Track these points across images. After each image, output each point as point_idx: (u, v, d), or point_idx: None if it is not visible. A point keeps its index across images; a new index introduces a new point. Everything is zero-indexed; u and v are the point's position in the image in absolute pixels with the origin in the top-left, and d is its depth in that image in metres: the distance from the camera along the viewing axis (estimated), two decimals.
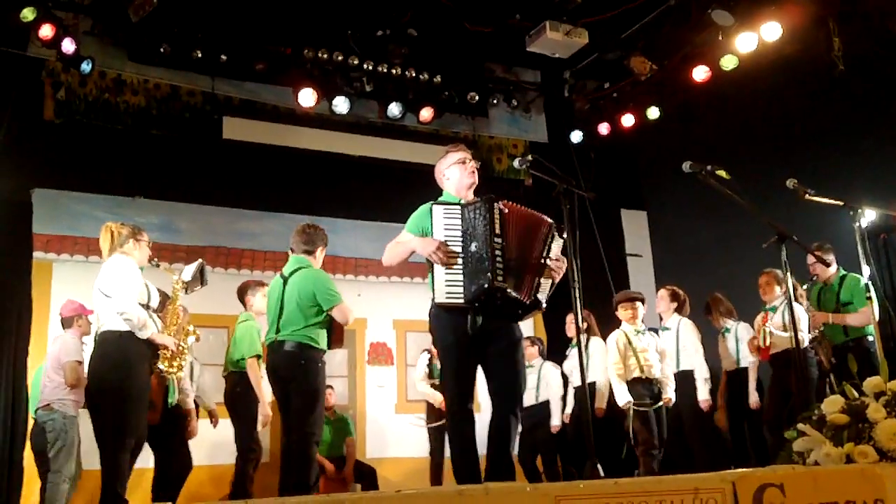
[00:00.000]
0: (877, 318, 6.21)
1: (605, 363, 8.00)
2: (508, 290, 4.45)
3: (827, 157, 8.10)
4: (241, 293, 7.07)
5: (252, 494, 6.65)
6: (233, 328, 7.00)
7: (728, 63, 8.55)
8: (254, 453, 6.79)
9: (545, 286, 4.67)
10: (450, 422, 4.61)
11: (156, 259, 5.97)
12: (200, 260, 6.39)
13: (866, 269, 5.90)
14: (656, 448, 7.03)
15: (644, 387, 7.15)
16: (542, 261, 4.64)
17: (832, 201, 5.81)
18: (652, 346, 7.36)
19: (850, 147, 8.08)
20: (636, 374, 7.17)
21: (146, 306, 5.53)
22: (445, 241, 4.51)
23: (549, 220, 4.70)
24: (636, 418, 7.06)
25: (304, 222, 6.15)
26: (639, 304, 7.39)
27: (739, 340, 7.64)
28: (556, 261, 4.68)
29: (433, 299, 4.57)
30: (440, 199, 4.81)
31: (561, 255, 4.71)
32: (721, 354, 7.90)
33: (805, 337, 6.78)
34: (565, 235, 4.65)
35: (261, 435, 6.98)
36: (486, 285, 4.38)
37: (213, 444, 7.49)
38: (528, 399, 8.32)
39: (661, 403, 7.19)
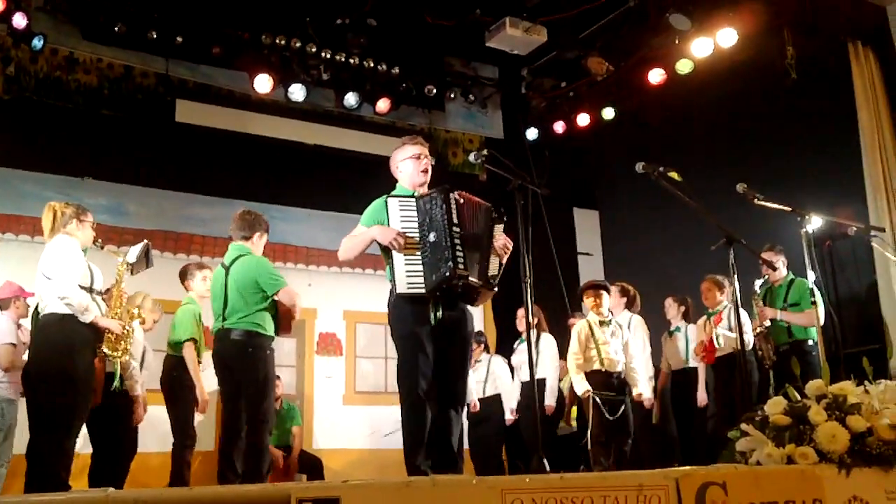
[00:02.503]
0: (821, 321, 6.34)
1: (555, 361, 8.05)
2: (470, 278, 4.51)
3: (777, 164, 8.24)
4: (182, 276, 6.96)
5: (189, 482, 6.56)
6: None
7: (683, 67, 8.67)
8: (192, 440, 6.71)
9: (494, 266, 4.76)
10: (409, 413, 4.53)
11: (100, 241, 5.81)
12: (146, 241, 6.28)
13: (811, 275, 6.02)
14: (605, 443, 6.83)
15: (603, 380, 6.93)
16: (491, 242, 4.75)
17: (780, 207, 5.91)
18: (618, 337, 7.13)
19: (800, 154, 8.23)
20: (596, 366, 6.94)
21: (89, 289, 5.40)
22: (404, 232, 4.54)
23: (489, 204, 4.82)
24: (592, 410, 6.86)
25: (243, 209, 6.05)
26: (603, 292, 7.20)
27: (689, 341, 7.73)
28: (501, 240, 4.79)
29: (392, 291, 4.59)
30: (394, 192, 4.84)
31: (504, 236, 4.82)
32: (666, 353, 7.99)
33: (749, 339, 6.88)
34: (505, 219, 4.80)
35: (206, 422, 6.88)
36: (447, 273, 4.42)
37: (142, 431, 7.32)
38: (476, 393, 8.36)
39: (623, 397, 6.96)
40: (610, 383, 6.94)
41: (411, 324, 4.54)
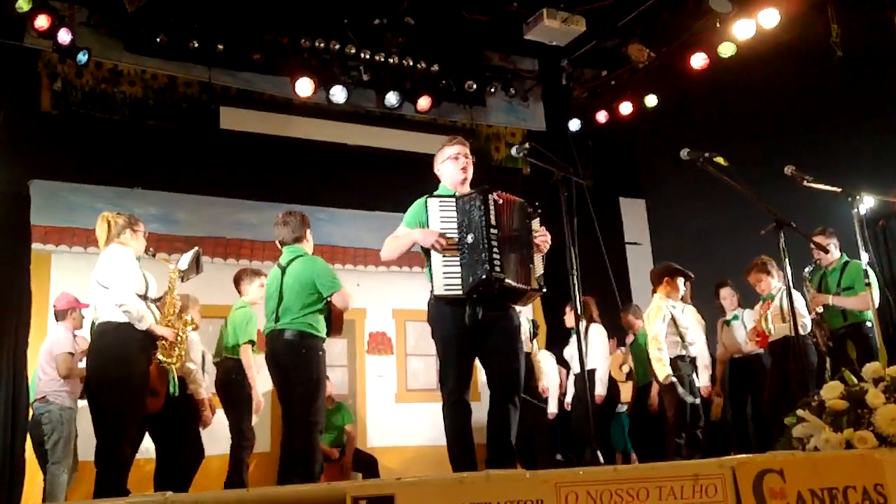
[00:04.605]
0: (876, 303, 6.21)
1: (605, 350, 8.02)
2: (506, 280, 4.49)
3: (825, 144, 8.09)
4: (237, 281, 7.06)
5: (247, 483, 6.64)
6: None
7: (726, 50, 8.54)
8: (249, 441, 6.78)
9: (539, 266, 4.74)
10: (448, 412, 4.59)
11: (152, 249, 5.95)
12: (196, 248, 6.37)
13: (865, 256, 5.90)
14: (684, 434, 6.89)
15: (685, 365, 7.01)
16: (531, 241, 4.73)
17: (830, 188, 5.81)
18: (692, 323, 7.24)
19: (849, 133, 8.06)
20: (680, 351, 7.01)
21: (144, 296, 5.51)
22: (443, 232, 4.56)
23: (523, 200, 4.79)
24: (669, 397, 6.96)
25: (282, 212, 6.05)
26: (681, 277, 7.24)
27: (747, 328, 7.63)
28: (541, 235, 4.77)
29: (431, 291, 4.61)
30: (435, 192, 4.85)
31: (543, 229, 4.79)
32: (724, 342, 7.90)
33: (806, 323, 6.78)
34: (539, 211, 4.78)
35: (261, 424, 6.94)
36: (483, 276, 4.42)
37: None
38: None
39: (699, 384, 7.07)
40: (691, 368, 7.04)
41: (450, 325, 4.56)
